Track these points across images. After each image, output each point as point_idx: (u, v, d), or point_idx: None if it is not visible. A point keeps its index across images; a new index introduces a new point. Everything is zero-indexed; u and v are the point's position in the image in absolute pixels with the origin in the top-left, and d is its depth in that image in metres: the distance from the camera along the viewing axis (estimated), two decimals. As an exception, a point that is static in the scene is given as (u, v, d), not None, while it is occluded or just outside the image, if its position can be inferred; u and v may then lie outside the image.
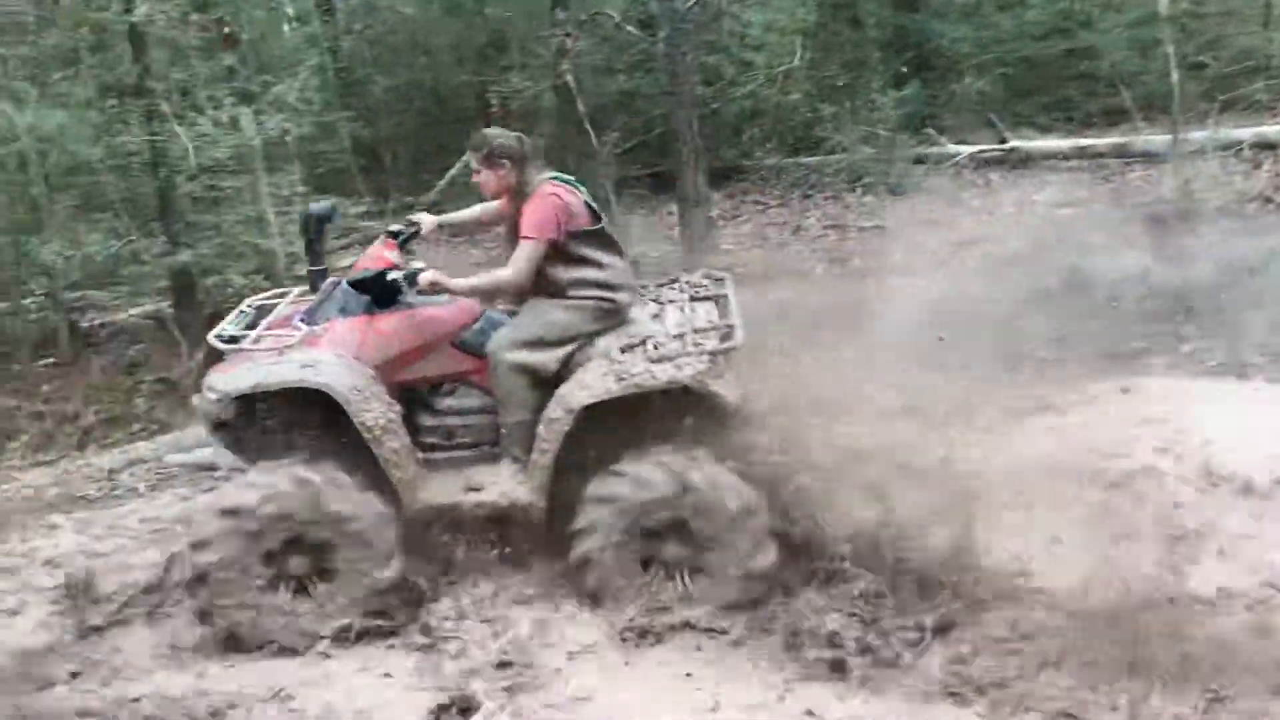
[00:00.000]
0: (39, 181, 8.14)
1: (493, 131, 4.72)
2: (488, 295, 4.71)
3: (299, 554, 4.40)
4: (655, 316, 4.94)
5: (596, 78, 11.47)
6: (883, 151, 11.69)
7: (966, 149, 12.15)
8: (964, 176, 11.91)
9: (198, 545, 4.34)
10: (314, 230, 5.00)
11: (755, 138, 12.81)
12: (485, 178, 4.61)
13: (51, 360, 8.65)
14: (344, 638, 4.40)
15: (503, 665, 4.20)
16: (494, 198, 4.76)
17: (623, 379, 4.34)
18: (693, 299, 5.16)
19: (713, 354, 4.43)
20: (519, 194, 4.57)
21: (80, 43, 8.43)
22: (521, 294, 4.66)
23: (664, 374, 4.34)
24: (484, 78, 12.93)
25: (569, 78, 9.45)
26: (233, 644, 4.43)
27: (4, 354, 8.84)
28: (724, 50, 12.19)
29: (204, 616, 4.42)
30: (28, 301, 8.83)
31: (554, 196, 4.49)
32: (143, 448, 7.26)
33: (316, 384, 4.32)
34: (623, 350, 4.51)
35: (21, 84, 7.88)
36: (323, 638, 4.39)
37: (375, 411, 4.40)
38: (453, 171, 12.47)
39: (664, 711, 3.95)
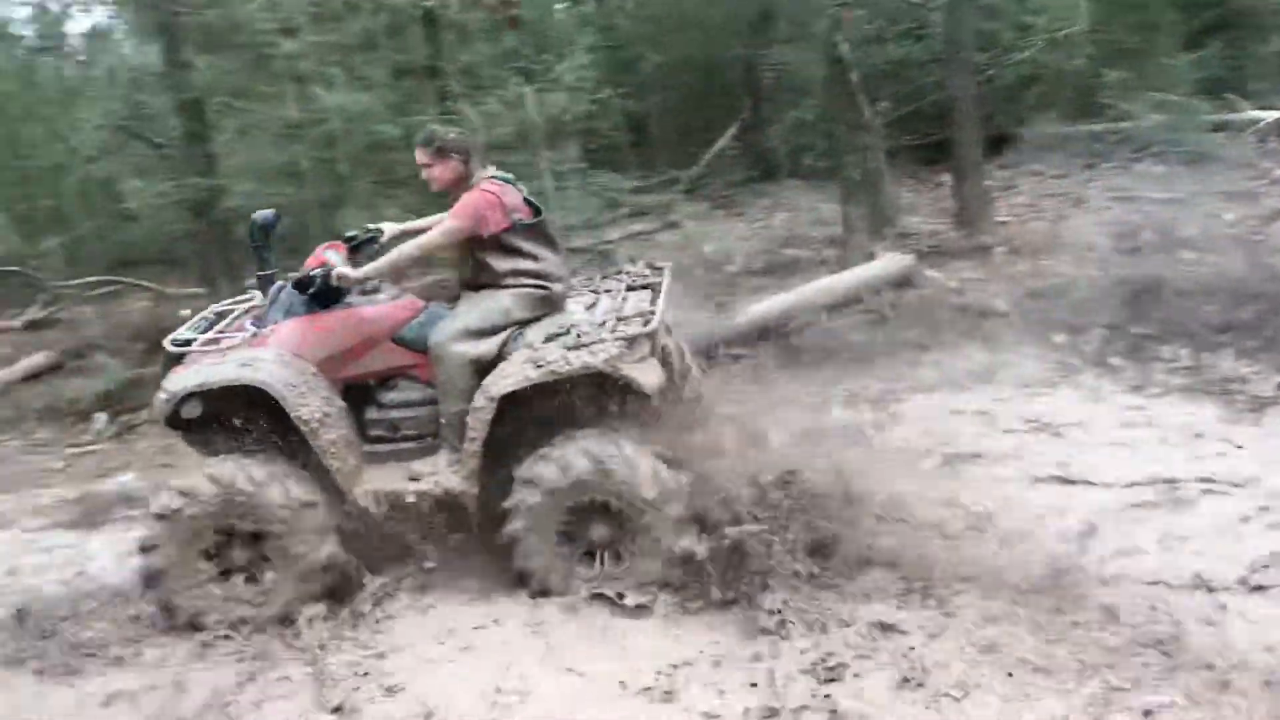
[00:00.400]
0: (343, 159, 8.73)
1: (441, 128, 4.87)
2: (396, 273, 4.91)
3: (238, 544, 4.63)
4: (589, 307, 5.02)
5: (867, 47, 11.28)
6: (1175, 118, 10.96)
7: (1272, 114, 11.24)
8: (1269, 145, 11.05)
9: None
10: (260, 237, 5.05)
11: (1033, 105, 12.26)
12: (437, 171, 4.69)
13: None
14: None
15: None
16: (443, 190, 4.78)
17: (540, 366, 4.44)
18: (629, 288, 5.24)
19: (627, 339, 4.48)
20: (463, 188, 4.67)
21: (379, 27, 8.94)
22: (461, 283, 4.82)
23: (578, 360, 4.42)
24: (752, 52, 12.99)
25: (844, 48, 9.32)
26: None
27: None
28: (1001, 15, 11.73)
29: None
30: (329, 270, 9.46)
31: (488, 193, 4.59)
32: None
33: (253, 380, 4.49)
34: (546, 339, 4.58)
35: (331, 69, 8.46)
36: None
37: (312, 405, 4.56)
38: (720, 144, 12.61)
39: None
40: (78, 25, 17.65)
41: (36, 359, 9.26)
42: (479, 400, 4.53)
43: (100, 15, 15.48)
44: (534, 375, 4.44)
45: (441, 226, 4.62)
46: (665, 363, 4.91)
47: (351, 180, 8.72)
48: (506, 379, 4.49)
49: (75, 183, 12.68)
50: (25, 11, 18.71)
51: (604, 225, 10.67)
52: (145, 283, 11.17)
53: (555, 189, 8.81)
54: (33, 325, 10.71)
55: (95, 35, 15.48)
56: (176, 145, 9.01)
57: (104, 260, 12.00)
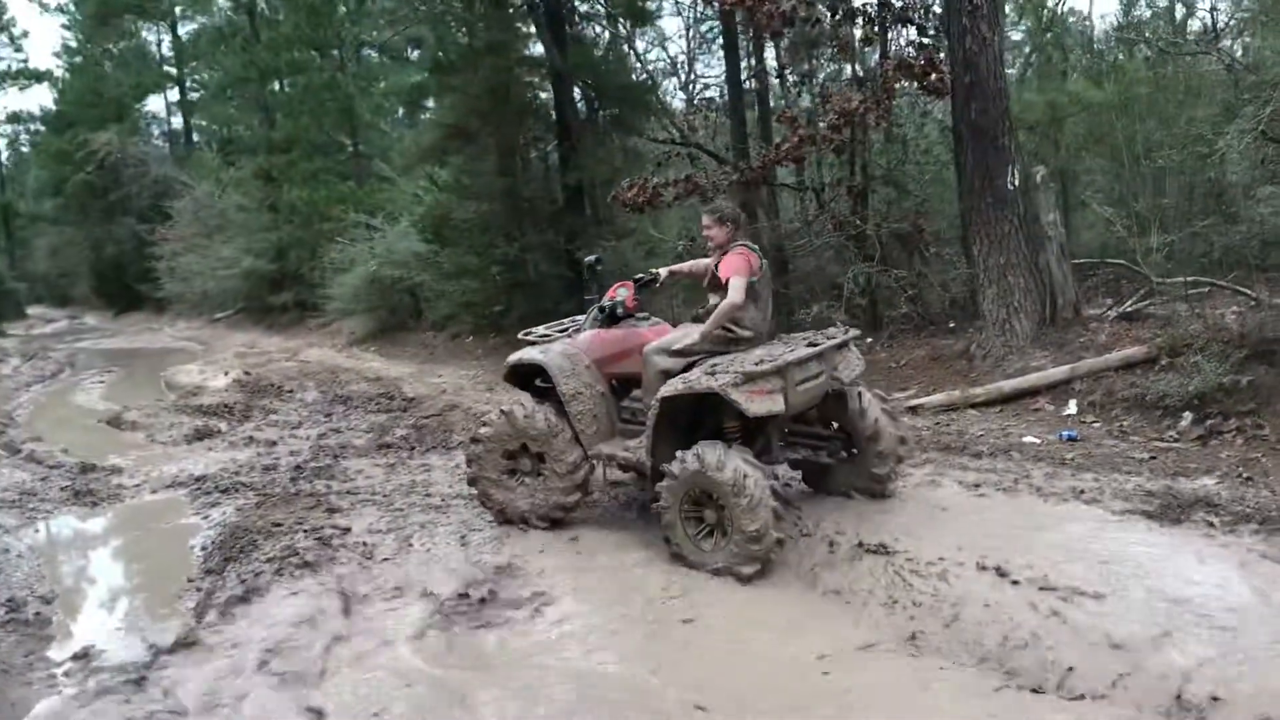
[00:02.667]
0: None
1: (724, 203, 7.00)
2: (723, 322, 6.39)
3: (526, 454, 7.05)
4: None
5: None
6: None
7: None
8: None
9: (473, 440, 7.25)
10: (588, 273, 7.62)
11: None
12: (715, 232, 6.57)
13: None
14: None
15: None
16: (717, 246, 6.59)
17: (686, 383, 6.08)
18: (808, 345, 6.45)
19: (743, 374, 5.91)
20: (725, 249, 6.51)
21: None
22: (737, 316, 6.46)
23: (703, 383, 5.97)
24: None
25: None
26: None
27: None
28: None
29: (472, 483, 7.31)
30: None
31: (746, 253, 6.46)
32: None
33: (539, 361, 6.86)
34: (709, 369, 6.08)
35: None
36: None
37: (572, 383, 6.75)
38: None
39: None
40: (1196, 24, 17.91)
41: (1132, 350, 9.59)
42: (653, 401, 6.26)
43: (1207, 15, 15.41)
44: (680, 388, 6.09)
45: (736, 283, 6.27)
46: (836, 409, 6.85)
47: None
48: (664, 389, 6.19)
49: (1186, 182, 12.91)
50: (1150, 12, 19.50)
51: None
52: (1241, 288, 10.92)
53: None
54: (1125, 317, 11.15)
55: (1214, 36, 15.48)
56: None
57: (1200, 261, 12.02)
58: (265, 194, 28.13)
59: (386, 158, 26.05)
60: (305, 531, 7.32)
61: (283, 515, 7.77)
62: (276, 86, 29.14)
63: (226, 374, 17.50)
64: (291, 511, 7.88)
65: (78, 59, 44.54)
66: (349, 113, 26.78)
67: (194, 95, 42.84)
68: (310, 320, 25.72)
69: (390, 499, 8.18)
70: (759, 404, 5.96)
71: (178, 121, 46.43)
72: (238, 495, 8.62)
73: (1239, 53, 13.83)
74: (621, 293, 7.13)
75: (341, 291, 22.51)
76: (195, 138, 43.86)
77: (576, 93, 17.20)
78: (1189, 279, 11.05)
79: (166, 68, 44.34)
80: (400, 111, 32.65)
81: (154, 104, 46.62)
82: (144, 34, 44.45)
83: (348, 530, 7.33)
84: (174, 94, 45.06)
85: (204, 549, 7.28)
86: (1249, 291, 10.79)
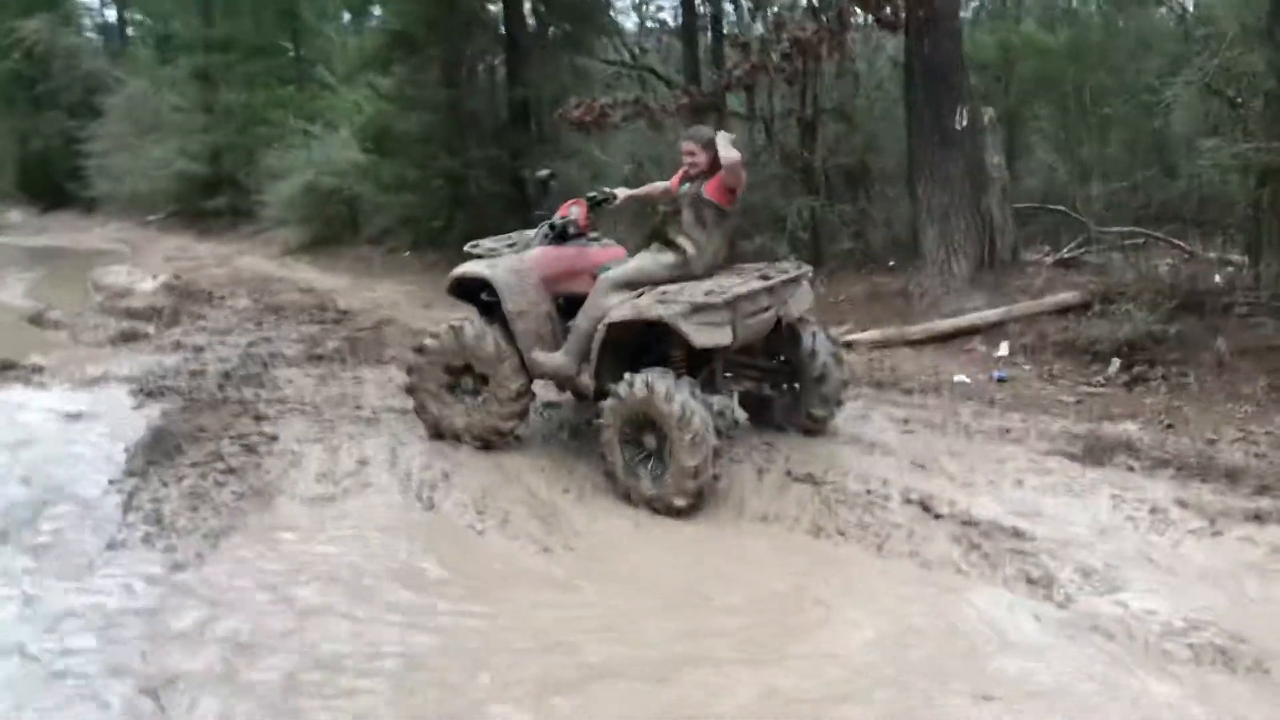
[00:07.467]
0: None
1: (705, 129, 6.67)
2: (734, 180, 6.24)
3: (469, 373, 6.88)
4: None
5: None
6: None
7: None
8: None
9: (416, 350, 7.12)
10: (539, 190, 7.32)
11: None
12: (701, 158, 6.28)
13: None
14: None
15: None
16: (699, 174, 6.32)
17: (635, 309, 6.04)
18: (760, 277, 6.41)
19: (692, 305, 5.86)
20: (708, 174, 6.28)
21: None
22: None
23: (652, 311, 5.93)
24: None
25: None
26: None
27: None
28: None
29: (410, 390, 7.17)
30: None
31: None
32: None
33: (486, 275, 6.68)
34: (659, 296, 6.02)
35: None
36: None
37: (520, 301, 6.61)
38: None
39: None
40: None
41: (1066, 296, 9.70)
42: (600, 325, 6.23)
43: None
44: (627, 314, 6.08)
45: (736, 168, 6.11)
46: (786, 343, 6.81)
47: None
48: (613, 313, 6.16)
49: (1130, 133, 12.97)
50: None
51: None
52: (1177, 241, 11.07)
53: None
54: (1062, 263, 11.26)
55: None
56: (1255, 107, 8.57)
57: (1139, 212, 12.14)
58: (201, 95, 27.26)
59: (329, 64, 25.33)
60: (231, 438, 7.19)
61: (209, 421, 7.61)
62: (216, -17, 28.13)
63: (155, 277, 17.07)
64: (218, 417, 7.71)
65: (6, -58, 42.57)
66: (291, 15, 25.95)
67: (130, -13, 41.21)
68: (244, 227, 25.12)
69: (320, 409, 8.03)
70: (706, 335, 5.93)
71: (111, 14, 44.74)
72: (164, 399, 8.43)
73: (1190, 4, 13.89)
74: (574, 211, 6.87)
75: (277, 199, 21.93)
76: (130, 32, 42.26)
77: (526, 6, 16.79)
78: (1126, 229, 11.16)
79: (102, -44, 42.62)
80: (345, 17, 31.73)
81: (87, -6, 44.77)
82: (79, -80, 42.58)
83: (274, 438, 7.20)
84: (109, -15, 43.40)
85: (127, 450, 7.13)
86: (1183, 245, 10.95)
